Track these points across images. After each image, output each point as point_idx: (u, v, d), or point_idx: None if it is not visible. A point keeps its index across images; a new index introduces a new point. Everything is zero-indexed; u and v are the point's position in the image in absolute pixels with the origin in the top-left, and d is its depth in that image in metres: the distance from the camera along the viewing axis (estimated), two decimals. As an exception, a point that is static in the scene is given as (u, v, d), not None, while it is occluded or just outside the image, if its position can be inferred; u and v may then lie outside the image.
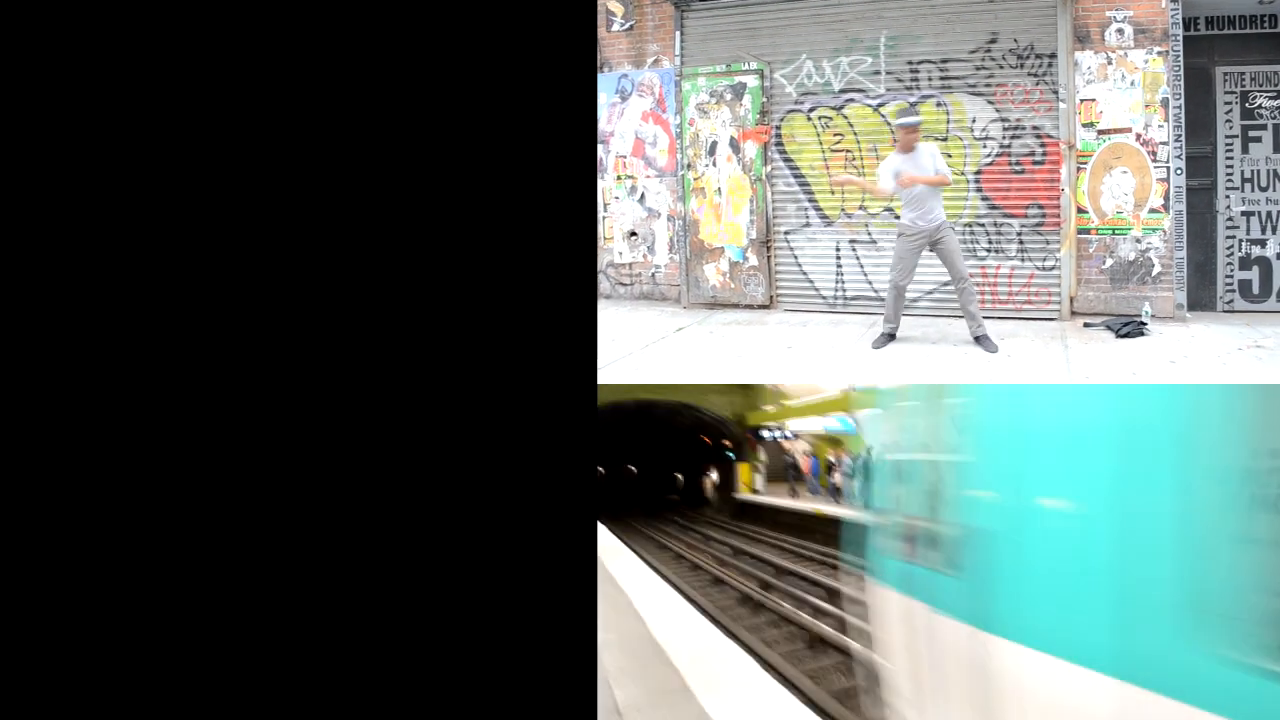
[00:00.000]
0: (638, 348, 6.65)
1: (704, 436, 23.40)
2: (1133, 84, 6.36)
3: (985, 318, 6.90)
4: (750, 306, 7.88)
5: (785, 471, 21.83)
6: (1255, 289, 6.45)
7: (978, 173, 6.97)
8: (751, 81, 7.67)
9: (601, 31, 8.26)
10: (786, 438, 23.28)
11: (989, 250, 7.02)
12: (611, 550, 11.11)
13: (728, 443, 22.60)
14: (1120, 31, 6.34)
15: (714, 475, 24.67)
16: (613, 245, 8.49)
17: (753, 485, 22.19)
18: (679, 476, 28.80)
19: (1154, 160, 6.39)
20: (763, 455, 22.64)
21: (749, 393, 22.55)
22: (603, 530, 13.69)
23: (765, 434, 22.88)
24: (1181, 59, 6.18)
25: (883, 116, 7.25)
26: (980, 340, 6.16)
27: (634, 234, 8.41)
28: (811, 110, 7.47)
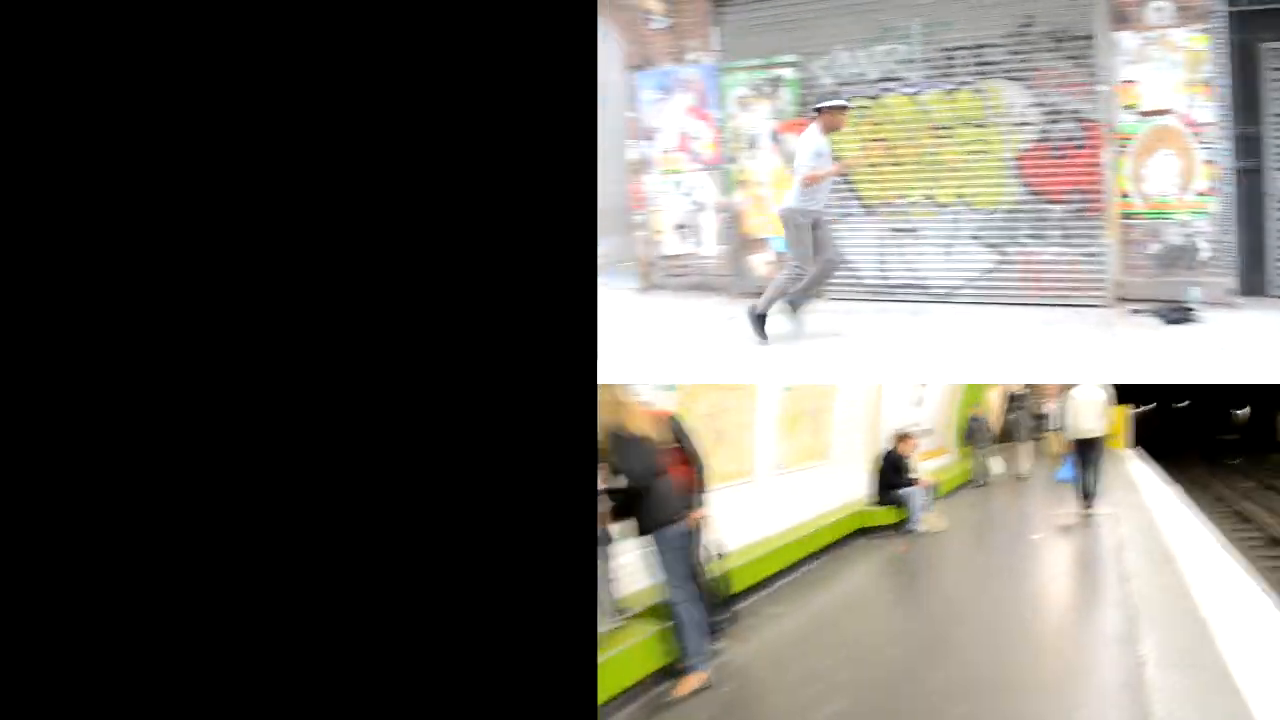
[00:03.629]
0: (694, 335, 6.90)
1: None
2: (1174, 64, 6.11)
3: (1029, 304, 6.84)
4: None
5: None
6: (1310, 272, 6.17)
7: (1017, 159, 6.85)
8: (789, 74, 7.70)
9: (641, 30, 8.40)
10: None
11: (1030, 237, 6.92)
12: (1154, 491, 10.72)
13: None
14: (1160, 10, 6.08)
15: None
16: (662, 238, 8.71)
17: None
18: (1237, 413, 24.28)
19: (1199, 141, 6.15)
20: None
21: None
22: (1149, 467, 12.89)
23: None
24: (1226, 36, 5.90)
25: (919, 105, 7.18)
26: (757, 319, 6.37)
27: (682, 226, 8.61)
28: (849, 100, 7.44)
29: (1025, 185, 6.87)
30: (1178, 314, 6.22)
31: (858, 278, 7.72)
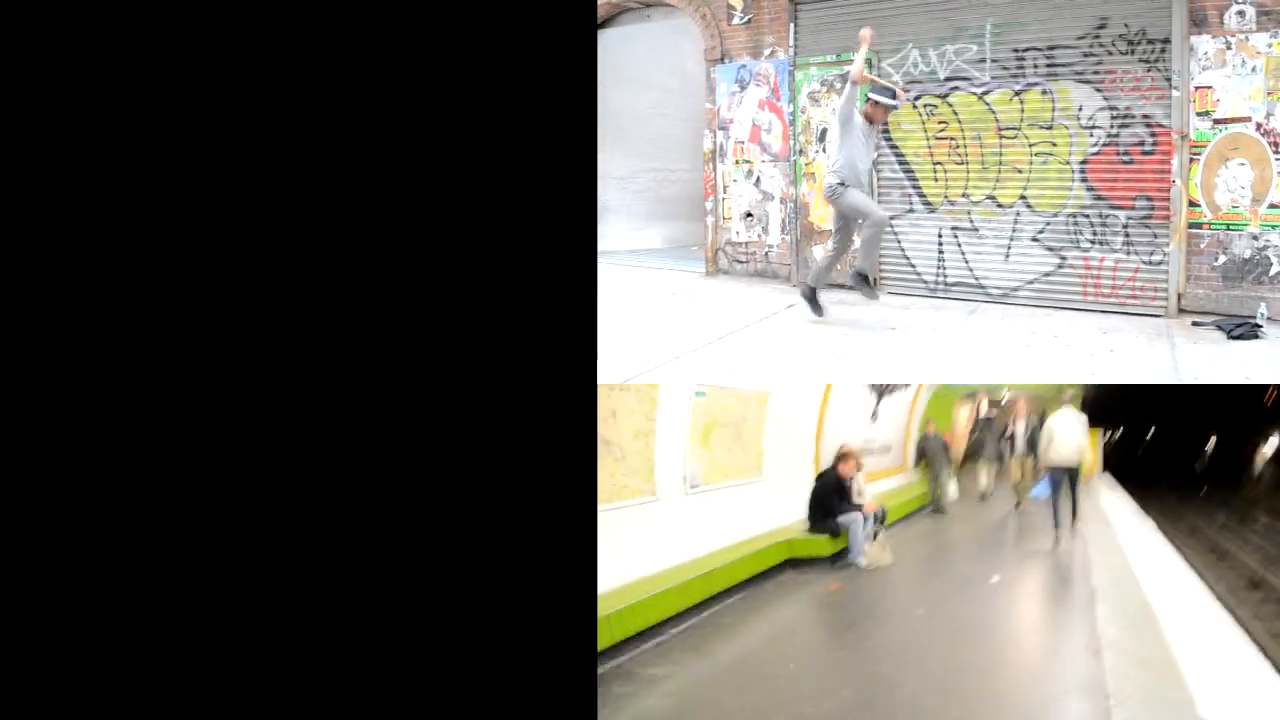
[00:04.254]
0: (753, 321, 7.02)
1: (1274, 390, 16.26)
2: (1254, 70, 5.93)
3: (1089, 310, 6.73)
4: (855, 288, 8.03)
5: None
6: (1383, 293, 5.90)
7: (1084, 162, 6.76)
8: (861, 69, 7.75)
9: (722, 25, 8.59)
10: None
11: (1093, 242, 6.82)
12: (1127, 526, 9.51)
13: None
14: (1242, 14, 5.92)
15: (1274, 443, 17.89)
16: (730, 225, 8.89)
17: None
18: (1209, 442, 22.94)
19: (1275, 152, 5.96)
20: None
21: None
22: (1121, 494, 12.01)
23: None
24: (1307, 43, 5.71)
25: (987, 104, 7.15)
26: (810, 296, 6.77)
27: (750, 215, 8.78)
28: (917, 98, 7.47)
29: (1090, 189, 6.77)
30: (1243, 329, 6.05)
31: (916, 274, 7.74)
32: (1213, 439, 21.67)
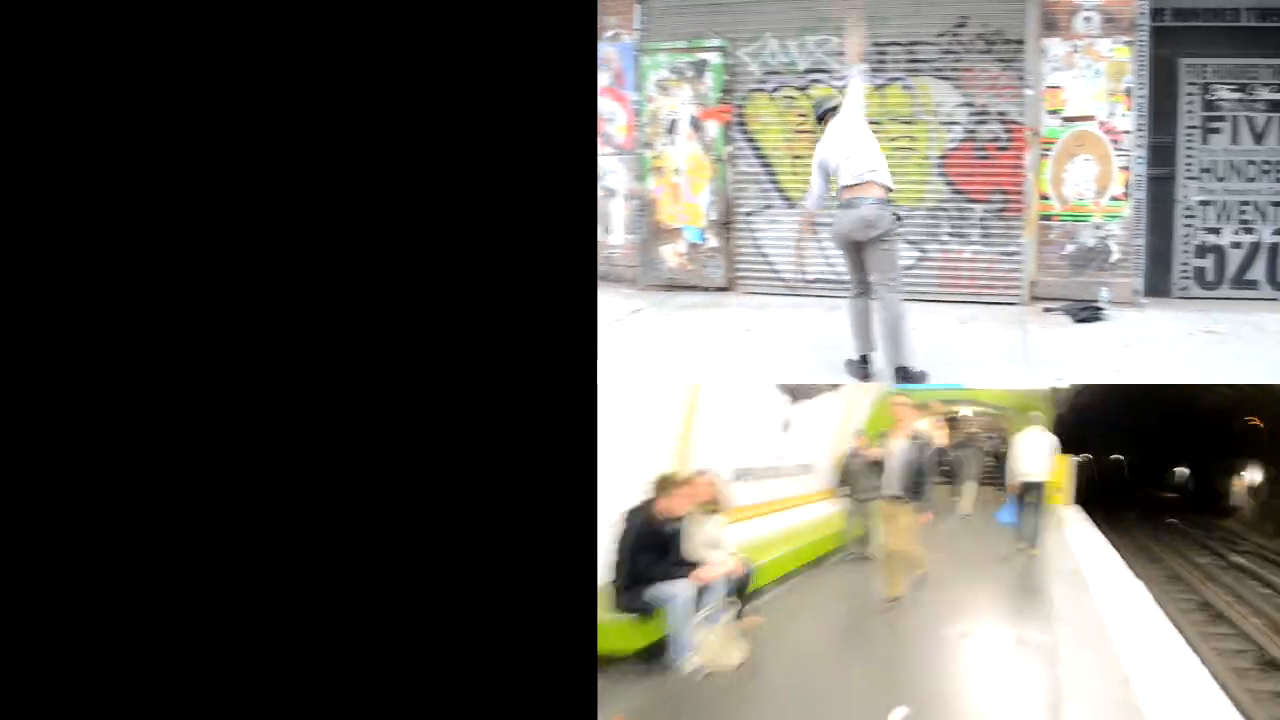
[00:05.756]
0: None
1: (1253, 418, 14.01)
2: (1098, 72, 6.43)
3: (948, 301, 6.92)
4: (708, 289, 7.72)
5: None
6: (1210, 276, 6.64)
7: (942, 157, 6.97)
8: (714, 59, 7.47)
9: (557, 1, 7.94)
10: None
11: (951, 235, 7.03)
12: (1090, 546, 8.40)
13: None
14: (1088, 19, 6.40)
15: (1252, 474, 15.05)
16: (565, 225, 8.20)
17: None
18: (1180, 471, 20.72)
19: (1116, 148, 6.49)
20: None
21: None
22: (1089, 523, 9.98)
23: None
24: (1148, 49, 6.28)
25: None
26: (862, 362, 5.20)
27: (588, 213, 8.14)
28: (775, 90, 7.34)
29: (949, 183, 6.99)
30: (1087, 312, 6.48)
31: (774, 272, 7.58)
32: (1184, 469, 20.72)
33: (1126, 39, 6.29)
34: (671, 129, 7.71)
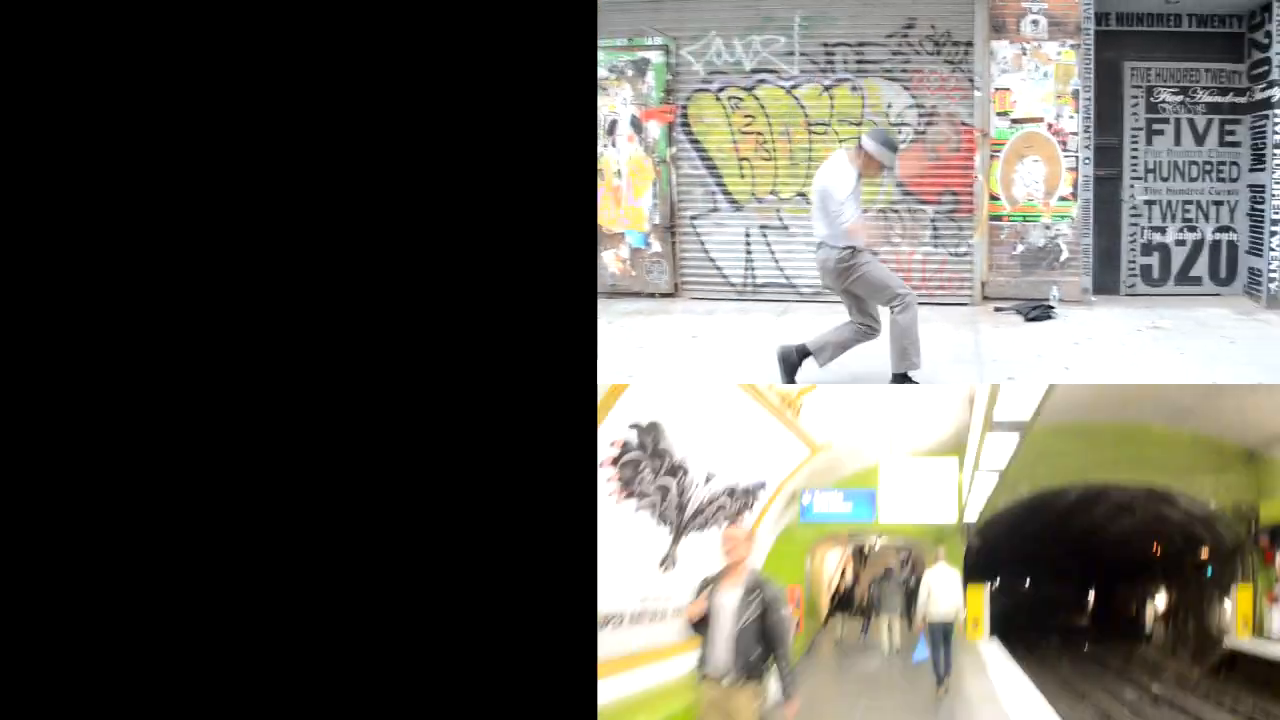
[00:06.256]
0: None
1: (1157, 542, 13.02)
2: (1045, 75, 6.50)
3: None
4: (653, 295, 7.42)
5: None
6: (1155, 274, 6.80)
7: (892, 159, 6.89)
8: (656, 58, 7.21)
9: (488, -6, 7.50)
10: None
11: (902, 236, 6.97)
12: (1014, 686, 6.99)
13: (1206, 550, 11.34)
14: (1035, 23, 6.46)
15: (1163, 597, 14.09)
16: (498, 231, 7.75)
17: (1264, 624, 10.77)
18: (1088, 594, 19.66)
19: (1064, 150, 6.57)
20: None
21: (1261, 470, 8.34)
22: (1009, 659, 8.21)
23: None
24: (1093, 53, 6.37)
25: (796, 99, 7.01)
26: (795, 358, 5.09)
27: (522, 219, 7.72)
28: (721, 90, 7.13)
29: (899, 185, 6.92)
30: (1038, 311, 6.51)
31: (723, 276, 7.34)
32: (1093, 593, 19.53)
33: (1072, 42, 6.39)
34: (611, 130, 7.38)
